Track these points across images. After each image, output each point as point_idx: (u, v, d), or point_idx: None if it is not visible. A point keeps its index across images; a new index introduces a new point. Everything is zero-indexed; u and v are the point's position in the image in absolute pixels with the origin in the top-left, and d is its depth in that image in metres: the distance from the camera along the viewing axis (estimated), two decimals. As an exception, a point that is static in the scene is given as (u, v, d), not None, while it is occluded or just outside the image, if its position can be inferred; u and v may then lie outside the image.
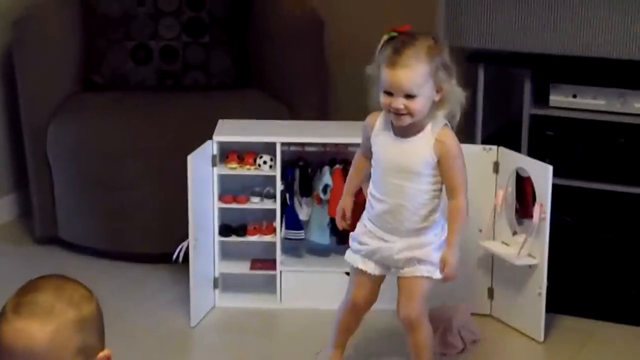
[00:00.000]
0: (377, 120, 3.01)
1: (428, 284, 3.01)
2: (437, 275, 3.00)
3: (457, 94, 2.92)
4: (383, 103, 2.88)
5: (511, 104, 4.20)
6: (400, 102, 2.83)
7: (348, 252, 3.14)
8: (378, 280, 3.12)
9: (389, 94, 2.85)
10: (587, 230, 3.73)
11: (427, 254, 2.98)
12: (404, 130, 2.94)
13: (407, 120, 2.87)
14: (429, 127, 2.91)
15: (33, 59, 4.20)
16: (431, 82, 2.85)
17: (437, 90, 2.87)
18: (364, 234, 3.07)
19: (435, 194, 2.98)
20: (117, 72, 4.31)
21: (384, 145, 2.99)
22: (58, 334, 1.57)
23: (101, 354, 1.63)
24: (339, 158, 3.74)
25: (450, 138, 2.92)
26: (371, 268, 3.08)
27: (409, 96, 2.82)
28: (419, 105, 2.84)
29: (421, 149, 2.92)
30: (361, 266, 3.09)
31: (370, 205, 3.05)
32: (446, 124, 2.93)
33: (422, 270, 2.99)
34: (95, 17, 4.32)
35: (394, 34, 2.92)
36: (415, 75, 2.81)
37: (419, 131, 2.92)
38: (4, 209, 4.51)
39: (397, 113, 2.85)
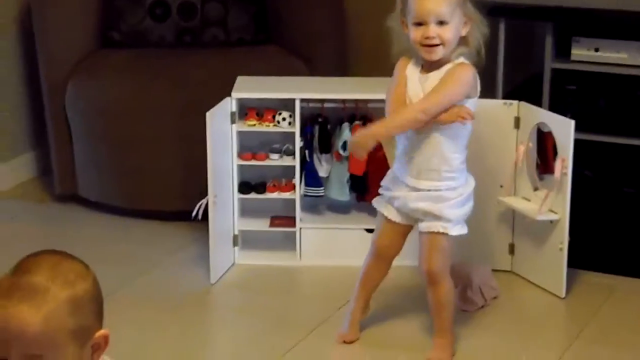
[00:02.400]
0: (409, 63, 2.98)
1: (446, 240, 2.99)
2: (454, 231, 2.97)
3: (482, 30, 2.91)
4: (414, 38, 2.86)
5: (532, 58, 4.15)
6: (433, 30, 2.82)
7: (376, 197, 3.11)
8: (402, 230, 3.08)
9: (419, 24, 2.84)
10: (608, 185, 3.68)
11: (441, 210, 2.96)
12: (430, 67, 2.91)
13: (439, 51, 2.86)
14: (449, 64, 2.89)
15: (51, 16, 4.18)
16: (460, 12, 2.84)
17: (465, 22, 2.86)
18: (390, 179, 3.05)
19: (455, 146, 2.94)
20: (135, 29, 4.28)
21: (412, 84, 2.96)
22: (52, 317, 1.53)
23: (98, 334, 1.60)
24: (358, 114, 3.70)
25: (465, 69, 2.88)
26: (393, 215, 3.05)
27: (441, 22, 2.82)
28: (451, 33, 2.83)
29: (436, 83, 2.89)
30: (384, 211, 3.06)
31: (399, 144, 3.02)
32: (468, 63, 2.90)
33: (438, 226, 2.97)
34: (112, -26, 4.29)
35: None
36: (446, 1, 2.81)
37: (440, 67, 2.89)
38: (24, 167, 4.51)
39: (430, 45, 2.84)
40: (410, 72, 2.96)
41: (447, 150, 2.95)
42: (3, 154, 4.41)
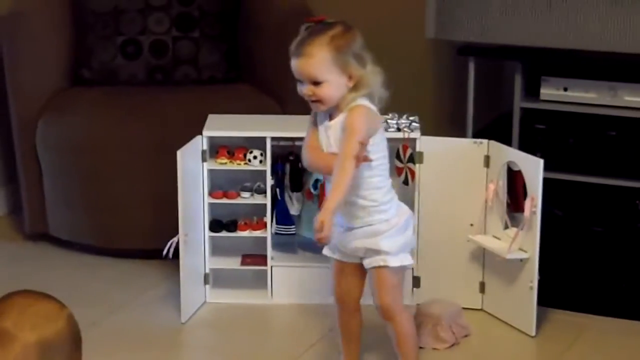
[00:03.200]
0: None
1: (389, 273, 2.98)
2: (394, 263, 2.97)
3: (374, 78, 2.92)
4: (299, 92, 2.93)
5: (502, 97, 4.19)
6: (308, 89, 2.88)
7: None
8: (354, 271, 3.08)
9: (300, 81, 2.90)
10: (578, 223, 3.72)
11: (377, 243, 2.96)
12: (333, 114, 2.95)
13: (320, 106, 2.91)
14: (344, 112, 2.91)
15: (22, 54, 4.18)
16: (337, 69, 2.85)
17: (348, 76, 2.87)
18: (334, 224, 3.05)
19: (372, 180, 2.95)
20: (107, 67, 4.29)
21: (320, 133, 3.00)
22: None
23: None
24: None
25: (356, 112, 2.88)
26: (339, 256, 3.07)
27: (316, 83, 2.86)
28: (326, 91, 2.87)
29: (338, 130, 2.92)
30: (332, 255, 3.09)
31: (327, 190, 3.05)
32: (361, 104, 2.90)
33: (378, 260, 2.97)
34: (84, 11, 4.30)
35: (310, 24, 2.94)
36: (316, 62, 2.85)
37: (339, 114, 2.93)
38: (-7, 206, 4.49)
39: (310, 100, 2.90)
40: (320, 119, 2.99)
41: (366, 189, 2.94)
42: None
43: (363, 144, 2.86)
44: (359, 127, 2.86)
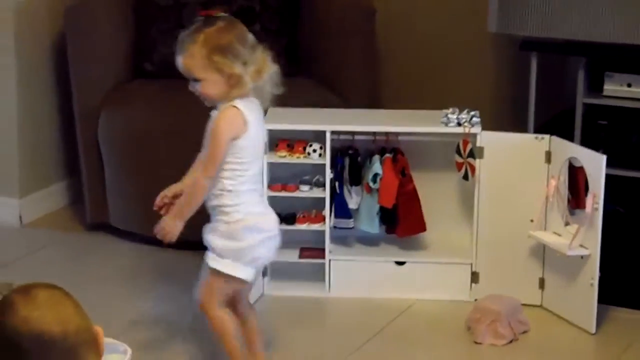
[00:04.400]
0: None
1: (211, 271, 3.00)
2: (212, 262, 2.99)
3: (256, 77, 2.92)
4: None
5: (564, 93, 4.16)
6: (190, 85, 2.92)
7: None
8: None
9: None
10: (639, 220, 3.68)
11: (209, 240, 3.00)
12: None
13: (207, 101, 2.96)
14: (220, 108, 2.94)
15: (85, 47, 4.23)
16: (212, 68, 2.87)
17: (228, 75, 2.88)
18: None
19: (223, 181, 2.95)
20: (168, 61, 4.30)
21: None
22: None
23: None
24: (388, 147, 3.72)
25: (221, 117, 2.91)
26: None
27: (196, 80, 2.90)
28: (206, 88, 2.90)
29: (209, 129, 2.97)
30: None
31: None
32: (228, 107, 2.90)
33: (208, 256, 3.01)
34: (147, 4, 4.33)
35: (200, 18, 2.96)
36: (192, 60, 2.88)
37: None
38: (56, 196, 4.55)
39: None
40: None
41: (217, 189, 2.95)
42: (35, 182, 4.45)
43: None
44: (217, 135, 2.90)
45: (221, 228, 2.98)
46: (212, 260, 2.99)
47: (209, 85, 2.89)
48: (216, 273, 2.99)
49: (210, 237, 3.00)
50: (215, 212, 2.99)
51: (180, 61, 2.91)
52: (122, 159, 4.16)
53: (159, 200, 3.09)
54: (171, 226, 2.97)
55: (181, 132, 4.01)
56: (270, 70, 2.95)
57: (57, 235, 4.29)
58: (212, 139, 2.92)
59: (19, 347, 1.55)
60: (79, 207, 4.44)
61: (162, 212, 3.06)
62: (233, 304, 3.08)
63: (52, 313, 1.57)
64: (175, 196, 3.06)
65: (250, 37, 2.97)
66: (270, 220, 3.02)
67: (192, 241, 4.02)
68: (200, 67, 2.88)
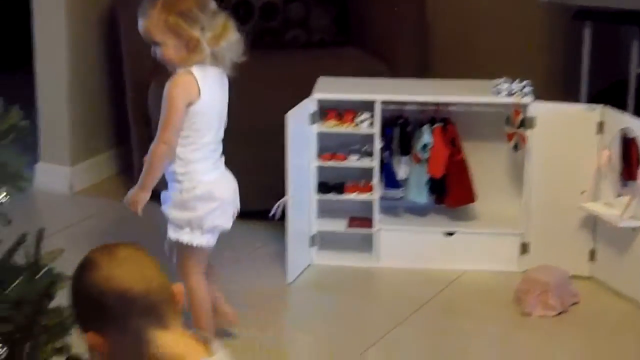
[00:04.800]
0: None
1: (177, 244, 3.01)
2: (170, 232, 3.02)
3: (214, 42, 2.92)
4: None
5: (617, 63, 4.10)
6: (152, 50, 2.95)
7: None
8: None
9: None
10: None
11: (166, 211, 3.04)
12: None
13: (169, 67, 2.97)
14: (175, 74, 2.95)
15: (136, 18, 4.23)
16: (170, 32, 2.89)
17: (187, 39, 2.88)
18: None
19: (176, 156, 2.97)
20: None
21: None
22: None
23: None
24: (438, 117, 3.70)
25: (172, 82, 2.93)
26: None
27: (156, 43, 2.91)
28: (165, 53, 2.91)
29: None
30: None
31: None
32: (180, 73, 2.92)
33: (168, 227, 3.03)
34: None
35: None
36: (150, 24, 2.92)
37: None
38: (105, 165, 4.57)
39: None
40: None
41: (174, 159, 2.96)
42: (85, 151, 4.48)
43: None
44: (169, 104, 2.92)
45: (175, 198, 3.01)
46: (171, 231, 3.02)
47: (168, 49, 2.91)
48: (178, 244, 3.02)
49: (166, 207, 3.04)
50: (170, 179, 3.03)
51: (141, 24, 2.96)
52: None
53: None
54: (135, 195, 3.01)
55: (232, 102, 4.02)
56: (231, 38, 2.96)
57: (106, 203, 4.31)
58: (166, 105, 2.94)
59: (103, 304, 1.58)
60: (127, 176, 4.45)
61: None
62: None
63: (134, 271, 1.61)
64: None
65: (212, 4, 2.98)
66: (224, 188, 3.06)
67: (242, 210, 4.07)
68: (159, 30, 2.91)
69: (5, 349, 2.07)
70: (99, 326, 1.58)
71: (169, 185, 3.03)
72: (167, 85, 2.94)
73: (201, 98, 2.92)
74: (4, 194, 2.21)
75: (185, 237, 3.00)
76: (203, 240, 3.00)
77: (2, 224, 2.29)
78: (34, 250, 2.26)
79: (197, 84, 2.91)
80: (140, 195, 2.99)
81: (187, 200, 2.99)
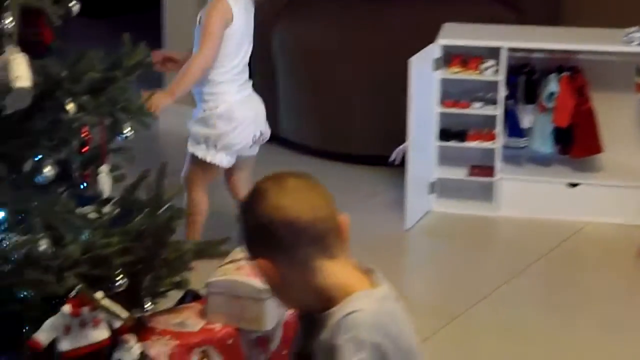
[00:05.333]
0: None
1: (192, 157, 3.17)
2: (190, 147, 3.16)
3: None
4: None
5: None
6: None
7: None
8: None
9: None
10: None
11: (189, 126, 3.18)
12: None
13: None
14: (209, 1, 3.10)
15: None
16: None
17: None
18: None
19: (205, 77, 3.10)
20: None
21: None
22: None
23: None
24: (566, 65, 3.63)
25: (211, 6, 3.08)
26: None
27: None
28: None
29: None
30: None
31: None
32: None
33: (188, 141, 3.20)
34: None
35: None
36: None
37: None
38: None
39: None
40: None
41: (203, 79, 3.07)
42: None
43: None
44: (209, 25, 3.04)
45: (199, 115, 3.17)
46: (190, 145, 3.18)
47: None
48: (193, 157, 3.18)
49: (190, 122, 3.19)
50: (198, 99, 3.17)
51: None
52: (294, 74, 4.20)
53: (158, 55, 3.20)
54: (160, 98, 3.04)
55: (353, 47, 4.01)
56: None
57: None
58: (207, 26, 3.06)
59: (272, 234, 1.61)
60: (251, 119, 4.50)
61: (156, 67, 3.16)
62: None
63: (302, 201, 1.63)
64: (169, 58, 3.24)
65: None
66: (246, 109, 3.19)
67: (358, 154, 4.08)
68: None
69: (125, 280, 2.12)
70: (269, 254, 1.62)
71: (197, 104, 3.18)
72: (206, 9, 3.09)
73: (234, 22, 3.10)
74: (129, 129, 2.25)
75: (201, 152, 3.16)
76: (216, 158, 3.15)
77: (127, 159, 2.34)
78: (156, 186, 2.31)
79: (231, 9, 3.08)
80: (164, 99, 3.07)
81: (209, 117, 3.15)
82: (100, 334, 2.06)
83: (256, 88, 4.30)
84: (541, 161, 3.75)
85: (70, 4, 2.11)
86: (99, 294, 2.04)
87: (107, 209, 2.24)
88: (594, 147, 3.65)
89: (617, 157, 3.67)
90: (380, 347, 1.59)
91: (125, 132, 2.26)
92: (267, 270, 1.64)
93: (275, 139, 4.29)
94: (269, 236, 1.63)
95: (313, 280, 1.63)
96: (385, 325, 1.61)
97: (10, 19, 1.96)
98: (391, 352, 1.58)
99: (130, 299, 2.18)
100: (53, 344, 2.01)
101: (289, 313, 2.43)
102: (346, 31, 4.07)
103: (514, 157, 3.76)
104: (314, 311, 1.65)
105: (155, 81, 4.28)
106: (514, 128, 3.68)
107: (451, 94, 3.69)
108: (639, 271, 3.34)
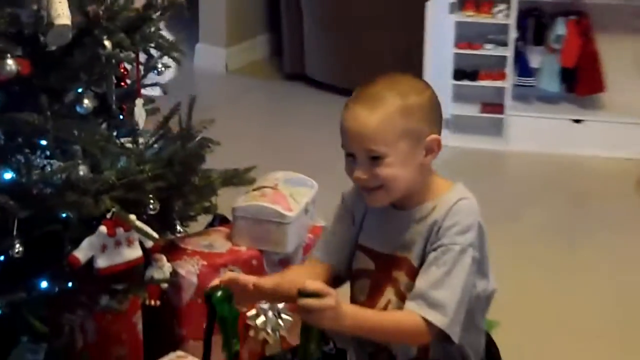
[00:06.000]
0: None
1: None
2: None
3: None
4: None
5: None
6: None
7: None
8: None
9: None
10: None
11: None
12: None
13: None
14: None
15: None
16: None
17: None
18: None
19: None
20: None
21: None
22: (384, 119, 1.69)
23: (429, 138, 1.71)
24: (573, 9, 3.59)
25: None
26: None
27: None
28: None
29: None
30: None
31: None
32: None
33: None
34: None
35: None
36: None
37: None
38: (258, 47, 4.61)
39: None
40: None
41: None
42: (240, 34, 4.52)
43: None
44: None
45: None
46: None
47: None
48: None
49: None
50: None
51: None
52: (320, 15, 4.17)
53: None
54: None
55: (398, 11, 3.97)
56: None
57: (258, 82, 4.37)
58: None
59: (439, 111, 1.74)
60: (278, 59, 4.49)
61: None
62: None
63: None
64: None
65: None
66: None
67: None
68: None
69: (157, 204, 2.13)
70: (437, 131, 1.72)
71: None
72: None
73: None
74: (162, 64, 2.25)
75: None
76: None
77: (161, 91, 2.35)
78: (187, 117, 2.31)
79: None
80: None
81: None
82: (134, 253, 2.06)
83: (282, 29, 4.31)
84: (548, 99, 3.72)
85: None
86: (132, 217, 2.05)
87: (141, 139, 2.25)
88: (597, 86, 3.63)
89: (619, 96, 3.65)
90: (482, 226, 1.73)
91: (158, 68, 2.27)
92: (437, 146, 1.72)
93: (301, 77, 4.29)
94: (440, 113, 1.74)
95: (429, 168, 1.75)
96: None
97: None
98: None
99: (162, 222, 2.19)
100: (90, 261, 2.02)
101: (308, 237, 2.45)
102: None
103: (523, 96, 3.73)
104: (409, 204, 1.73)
105: (187, 21, 4.27)
106: (523, 68, 3.66)
107: (465, 36, 3.66)
108: (638, 200, 3.33)
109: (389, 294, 1.73)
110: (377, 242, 1.77)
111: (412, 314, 1.65)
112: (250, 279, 1.70)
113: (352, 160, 1.72)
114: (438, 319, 1.64)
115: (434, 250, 1.68)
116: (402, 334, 1.69)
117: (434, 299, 1.65)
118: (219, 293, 1.65)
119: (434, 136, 1.70)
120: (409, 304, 1.66)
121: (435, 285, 1.65)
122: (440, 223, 1.70)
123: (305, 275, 1.71)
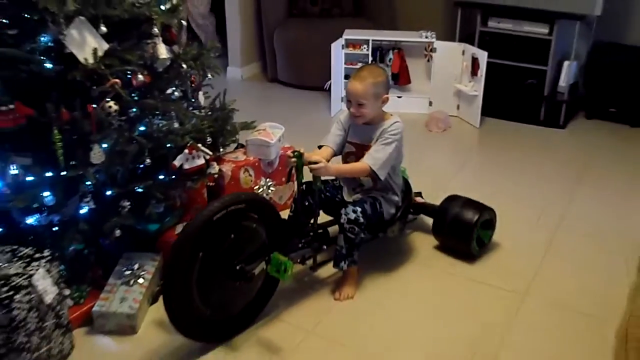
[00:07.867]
0: None
1: None
2: None
3: None
4: None
5: None
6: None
7: None
8: None
9: None
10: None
11: None
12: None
13: None
14: None
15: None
16: None
17: None
18: None
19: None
20: (307, 9, 3.99)
21: None
22: (365, 86, 1.81)
23: (384, 96, 1.84)
24: (396, 47, 3.39)
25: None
26: None
27: None
28: None
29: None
30: None
31: None
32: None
33: None
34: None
35: None
36: None
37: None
38: (255, 67, 4.36)
39: None
40: None
41: None
42: (247, 59, 4.24)
43: None
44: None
45: None
46: None
47: None
48: None
49: None
50: None
51: None
52: (286, 54, 3.89)
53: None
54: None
55: (320, 48, 3.65)
56: None
57: (257, 84, 4.11)
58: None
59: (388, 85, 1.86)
60: (265, 72, 4.29)
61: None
62: None
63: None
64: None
65: None
66: None
67: (313, 85, 3.88)
68: None
69: (210, 139, 2.07)
70: (387, 93, 1.86)
71: None
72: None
73: None
74: (209, 74, 2.18)
75: None
76: None
77: (211, 88, 2.25)
78: (222, 99, 2.25)
79: None
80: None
81: None
82: (201, 161, 2.00)
83: (267, 60, 4.01)
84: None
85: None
86: (199, 144, 1.99)
87: (202, 111, 2.18)
88: (406, 81, 3.45)
89: (415, 86, 3.50)
90: (401, 134, 1.82)
91: (208, 76, 2.19)
92: (386, 100, 1.80)
93: (276, 80, 4.09)
94: (388, 85, 1.84)
95: (382, 108, 1.84)
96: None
97: (157, 30, 1.87)
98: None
99: (213, 146, 2.14)
100: (182, 166, 1.96)
101: (280, 152, 2.39)
102: (317, 36, 3.70)
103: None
104: (372, 122, 1.84)
105: (222, 53, 3.97)
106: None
107: (348, 59, 3.42)
108: (424, 131, 3.15)
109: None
110: (357, 138, 1.92)
111: (363, 163, 1.84)
112: (307, 154, 1.81)
113: (350, 104, 1.86)
114: (372, 164, 1.82)
115: (380, 139, 1.85)
116: (359, 172, 1.86)
117: (374, 157, 1.84)
118: (296, 154, 1.76)
119: (385, 96, 1.83)
120: (364, 159, 1.85)
121: (376, 151, 1.84)
122: (385, 130, 1.84)
123: (324, 152, 1.88)
